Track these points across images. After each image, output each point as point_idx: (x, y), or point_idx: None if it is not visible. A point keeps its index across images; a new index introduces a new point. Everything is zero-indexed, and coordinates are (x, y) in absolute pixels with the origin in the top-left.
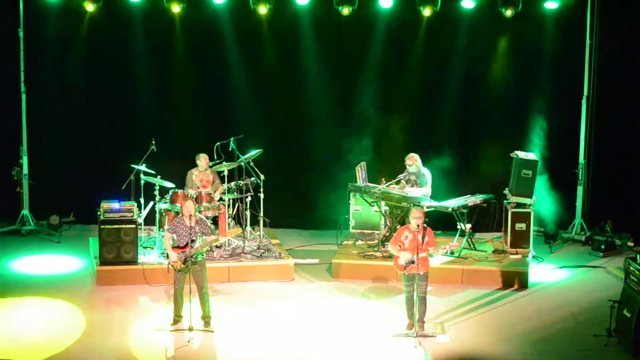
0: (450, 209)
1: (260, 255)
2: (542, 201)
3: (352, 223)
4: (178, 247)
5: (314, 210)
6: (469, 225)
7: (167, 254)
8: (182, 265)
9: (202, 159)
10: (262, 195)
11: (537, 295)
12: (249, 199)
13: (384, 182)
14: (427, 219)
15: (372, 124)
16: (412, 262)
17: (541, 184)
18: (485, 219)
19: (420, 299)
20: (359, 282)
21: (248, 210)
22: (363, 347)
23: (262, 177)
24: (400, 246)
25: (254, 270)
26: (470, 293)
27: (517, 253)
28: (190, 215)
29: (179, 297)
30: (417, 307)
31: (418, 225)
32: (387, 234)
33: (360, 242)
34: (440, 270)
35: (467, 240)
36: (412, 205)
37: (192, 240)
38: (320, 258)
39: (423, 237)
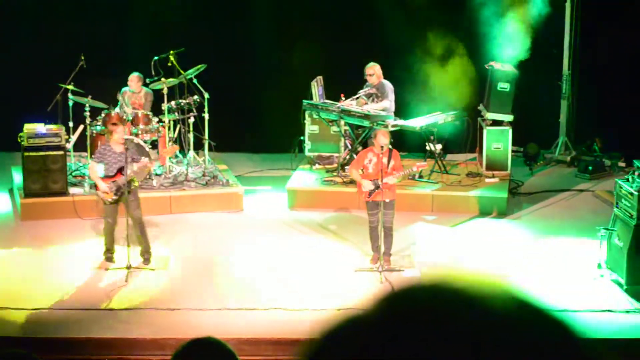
0: (418, 128)
1: (206, 183)
2: (521, 118)
3: (307, 145)
4: (107, 177)
5: (265, 131)
6: (439, 146)
7: (96, 184)
8: (114, 197)
9: (132, 81)
10: (206, 116)
11: (517, 223)
12: (192, 120)
13: (343, 98)
14: (392, 140)
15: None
16: (378, 187)
17: (520, 98)
18: (457, 139)
19: (386, 230)
20: (316, 212)
21: (191, 132)
22: (322, 284)
23: (206, 95)
24: (362, 171)
25: (199, 200)
26: (442, 221)
27: (493, 176)
28: (122, 140)
29: (111, 232)
30: (383, 239)
31: (383, 147)
32: (348, 157)
33: (317, 166)
34: (408, 197)
35: (437, 162)
36: (375, 124)
37: (123, 168)
38: (272, 185)
39: (389, 160)
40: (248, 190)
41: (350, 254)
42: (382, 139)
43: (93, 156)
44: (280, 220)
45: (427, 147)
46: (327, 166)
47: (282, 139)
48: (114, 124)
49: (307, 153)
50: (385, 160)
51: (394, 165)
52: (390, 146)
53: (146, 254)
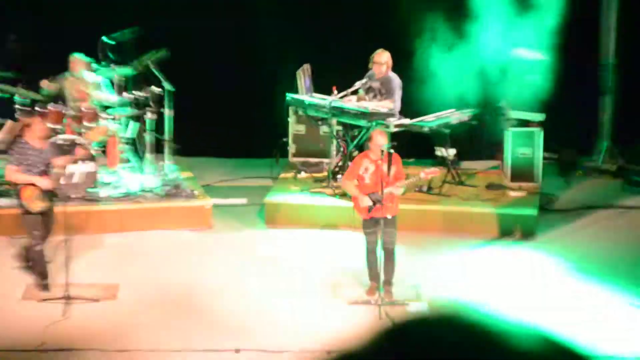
0: (427, 129)
1: (165, 194)
2: (555, 117)
3: (292, 149)
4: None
5: (240, 132)
6: (452, 151)
7: (19, 190)
8: (44, 204)
9: (74, 63)
10: (168, 112)
11: (548, 248)
12: (150, 116)
13: (336, 92)
14: (394, 143)
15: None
16: (378, 201)
17: (553, 92)
18: (476, 143)
19: (387, 253)
20: (301, 230)
21: (148, 132)
22: (308, 320)
23: (168, 87)
24: (357, 182)
25: (157, 216)
26: (455, 244)
27: (520, 188)
28: (43, 133)
29: (43, 253)
30: (383, 264)
31: (382, 152)
32: (341, 163)
33: (303, 174)
34: (414, 213)
35: (450, 171)
36: (374, 124)
37: (48, 165)
38: (249, 197)
39: (389, 168)
40: (218, 203)
41: (343, 283)
42: (380, 140)
43: (10, 156)
44: (257, 240)
45: (438, 153)
46: (315, 174)
47: (261, 141)
48: (37, 114)
49: (290, 158)
50: (385, 167)
51: (396, 173)
52: (390, 150)
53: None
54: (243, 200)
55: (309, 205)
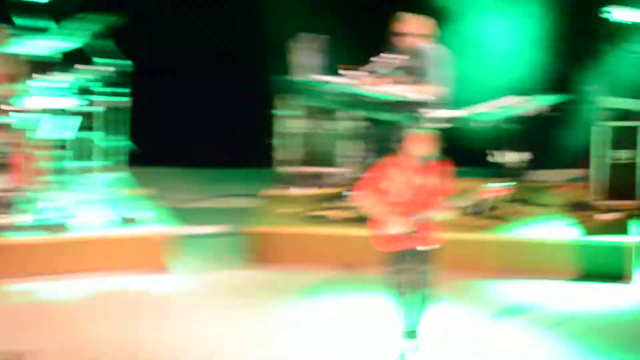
0: (488, 121)
1: (107, 221)
2: None
3: (281, 155)
4: None
5: (217, 133)
6: (518, 157)
7: None
8: None
9: None
10: (123, 103)
11: None
12: (95, 107)
13: (345, 72)
14: (444, 145)
15: None
16: (412, 228)
17: None
18: (550, 144)
19: (420, 298)
20: (299, 271)
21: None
22: None
23: (125, 65)
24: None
25: (93, 253)
26: (519, 290)
27: (614, 209)
28: None
29: None
30: (416, 313)
31: (421, 158)
32: (354, 175)
33: (296, 190)
34: (459, 245)
35: (515, 184)
36: (407, 119)
37: None
38: (224, 223)
39: (429, 180)
40: (182, 234)
41: (363, 348)
42: (419, 147)
43: None
44: (235, 286)
45: (496, 158)
46: (315, 191)
47: (242, 144)
48: None
49: (279, 168)
50: (421, 180)
51: (438, 188)
52: (436, 155)
53: None
54: (216, 228)
55: (307, 235)
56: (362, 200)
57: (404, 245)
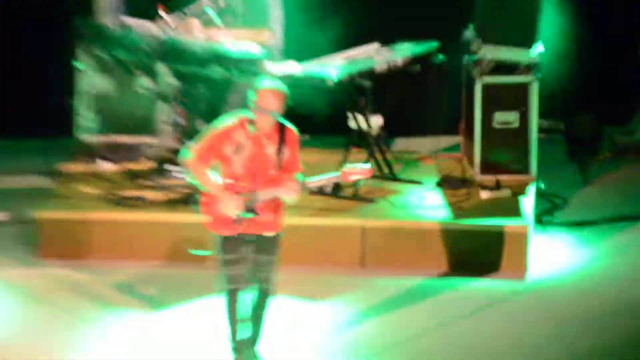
0: (333, 80)
1: None
2: (561, 62)
3: (84, 119)
4: None
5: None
6: (376, 120)
7: None
8: None
9: None
10: None
11: (544, 295)
12: None
13: (165, 13)
14: (292, 104)
15: None
16: (252, 209)
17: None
18: (419, 106)
19: (261, 295)
20: (106, 267)
21: None
22: None
23: None
24: (220, 168)
25: None
26: (384, 287)
27: (496, 186)
28: None
29: None
30: (252, 314)
31: (268, 119)
32: (178, 146)
33: (104, 163)
34: (309, 233)
35: (375, 155)
36: (242, 75)
37: None
38: (13, 206)
39: (280, 150)
40: None
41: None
42: (270, 102)
43: None
44: (25, 288)
45: (352, 123)
46: (128, 166)
47: (31, 107)
48: None
49: (81, 136)
50: (271, 150)
51: (289, 162)
52: (283, 120)
53: None
54: (4, 216)
55: (115, 223)
56: (196, 165)
57: (241, 230)
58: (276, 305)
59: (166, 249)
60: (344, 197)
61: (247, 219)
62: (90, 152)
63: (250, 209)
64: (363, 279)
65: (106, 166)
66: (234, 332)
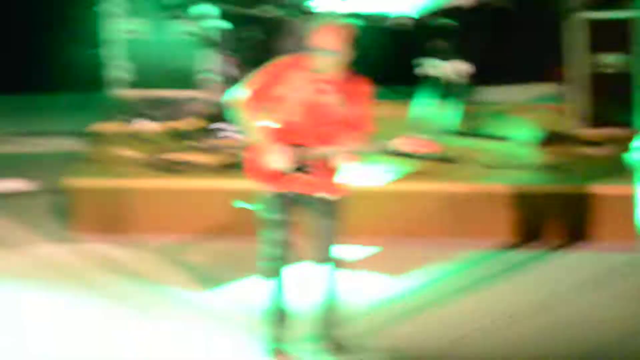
0: (408, 19)
1: None
2: None
3: (121, 73)
4: None
5: (16, 44)
6: (460, 67)
7: None
8: None
9: None
10: None
11: None
12: None
13: None
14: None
15: None
16: (304, 167)
17: None
18: (509, 50)
19: (324, 267)
20: (150, 242)
21: None
22: None
23: None
24: (269, 113)
25: None
26: (475, 259)
27: (601, 142)
28: None
29: None
30: (322, 302)
31: (328, 60)
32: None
33: (143, 122)
34: (389, 200)
35: (458, 107)
36: (295, 10)
37: None
38: (35, 177)
39: (343, 101)
40: None
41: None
42: (330, 40)
43: None
44: (61, 267)
45: (430, 69)
46: (170, 125)
47: (53, 59)
48: None
49: (115, 92)
50: (331, 100)
51: (358, 118)
52: (350, 66)
53: None
54: (21, 185)
55: (163, 191)
56: (237, 116)
57: (290, 187)
58: (355, 282)
59: (217, 220)
60: (424, 158)
61: (296, 176)
62: (126, 110)
63: (300, 165)
64: (451, 250)
65: (146, 125)
66: (274, 317)
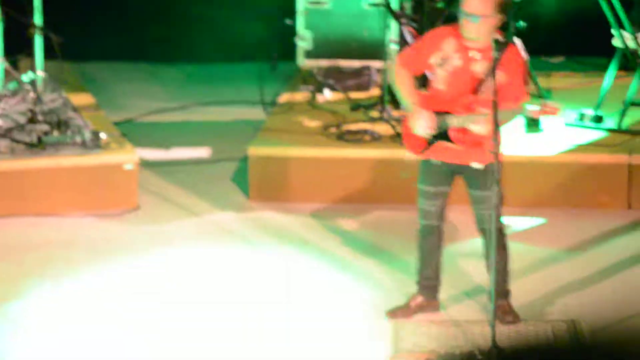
0: None
1: (39, 140)
2: None
3: (305, 42)
4: None
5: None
6: None
7: None
8: None
9: None
10: None
11: None
12: None
13: None
14: (520, 22)
15: None
16: (445, 133)
17: None
18: None
19: (487, 238)
20: (332, 211)
21: None
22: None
23: None
24: (423, 82)
25: (24, 185)
26: None
27: None
28: None
29: None
30: (489, 257)
31: (478, 28)
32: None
33: (327, 93)
34: (567, 171)
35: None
36: None
37: None
38: (215, 146)
39: (493, 70)
40: (152, 159)
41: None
42: (475, 4)
43: None
44: (233, 231)
45: (618, 43)
46: (355, 94)
47: (243, 29)
48: None
49: (302, 61)
50: (480, 68)
51: (510, 82)
52: (500, 37)
53: None
54: (202, 153)
55: (341, 159)
56: (399, 71)
57: (434, 155)
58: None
59: (393, 191)
60: (605, 129)
61: (442, 144)
62: (310, 80)
63: (442, 133)
64: (631, 224)
65: (328, 95)
66: (422, 272)
